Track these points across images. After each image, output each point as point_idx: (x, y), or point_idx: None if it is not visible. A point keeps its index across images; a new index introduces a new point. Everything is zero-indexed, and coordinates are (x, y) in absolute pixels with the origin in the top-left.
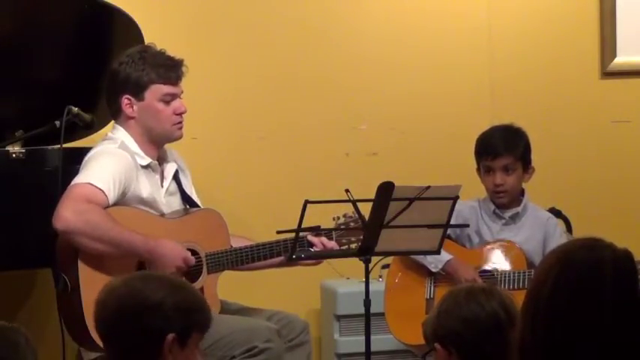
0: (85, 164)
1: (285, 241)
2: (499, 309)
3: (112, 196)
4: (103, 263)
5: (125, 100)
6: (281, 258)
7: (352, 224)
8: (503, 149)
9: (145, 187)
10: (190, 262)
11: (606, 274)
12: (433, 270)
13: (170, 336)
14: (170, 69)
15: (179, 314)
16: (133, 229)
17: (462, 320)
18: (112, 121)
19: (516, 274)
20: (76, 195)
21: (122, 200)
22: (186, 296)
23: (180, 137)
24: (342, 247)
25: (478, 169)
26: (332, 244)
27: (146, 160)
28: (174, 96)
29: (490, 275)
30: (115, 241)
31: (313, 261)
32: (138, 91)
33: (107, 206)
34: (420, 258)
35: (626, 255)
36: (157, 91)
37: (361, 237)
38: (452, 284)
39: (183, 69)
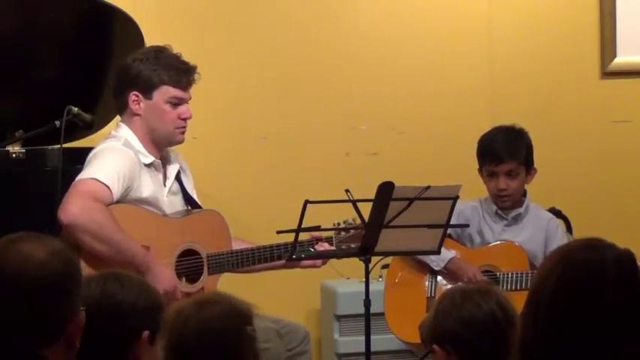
0: (89, 160)
1: (285, 244)
2: (496, 308)
3: (116, 192)
4: (104, 262)
5: (133, 96)
6: (282, 261)
7: (352, 232)
8: (507, 155)
9: (148, 185)
10: (178, 295)
11: (608, 274)
12: (436, 268)
13: (145, 333)
14: (182, 73)
15: (151, 313)
16: (136, 229)
17: (460, 320)
18: (114, 120)
19: (518, 275)
20: (82, 190)
21: (125, 198)
22: (155, 296)
23: (181, 142)
24: None
25: (480, 170)
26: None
27: (149, 158)
28: (181, 100)
29: (492, 275)
30: (116, 245)
31: (312, 262)
32: (147, 90)
33: (111, 202)
34: (422, 256)
35: (628, 255)
36: (165, 92)
37: (360, 243)
38: (454, 282)
39: (196, 76)
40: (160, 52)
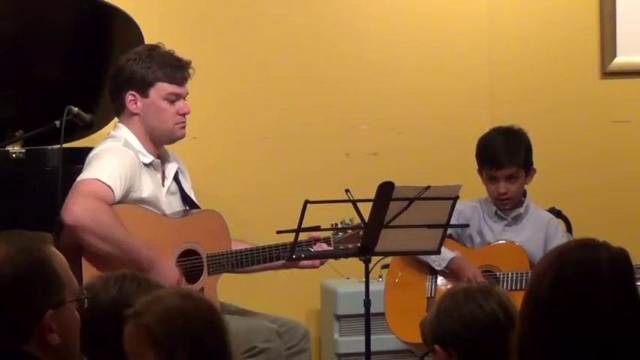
0: (90, 161)
1: (284, 245)
2: (498, 309)
3: (118, 192)
4: (107, 261)
5: (130, 96)
6: (281, 261)
7: (350, 232)
8: (507, 160)
9: (148, 185)
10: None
11: (603, 273)
12: (437, 268)
13: None
14: (177, 69)
15: None
16: (136, 229)
17: (461, 321)
18: (114, 121)
19: (518, 275)
20: (85, 191)
21: (126, 198)
22: None
23: (182, 137)
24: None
25: (479, 171)
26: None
27: (149, 158)
28: (178, 96)
29: (492, 275)
30: (120, 243)
31: (311, 262)
32: (143, 88)
33: (113, 203)
34: (423, 256)
35: (622, 254)
36: (162, 89)
37: (359, 244)
38: (454, 282)
39: (190, 71)
40: (153, 49)
